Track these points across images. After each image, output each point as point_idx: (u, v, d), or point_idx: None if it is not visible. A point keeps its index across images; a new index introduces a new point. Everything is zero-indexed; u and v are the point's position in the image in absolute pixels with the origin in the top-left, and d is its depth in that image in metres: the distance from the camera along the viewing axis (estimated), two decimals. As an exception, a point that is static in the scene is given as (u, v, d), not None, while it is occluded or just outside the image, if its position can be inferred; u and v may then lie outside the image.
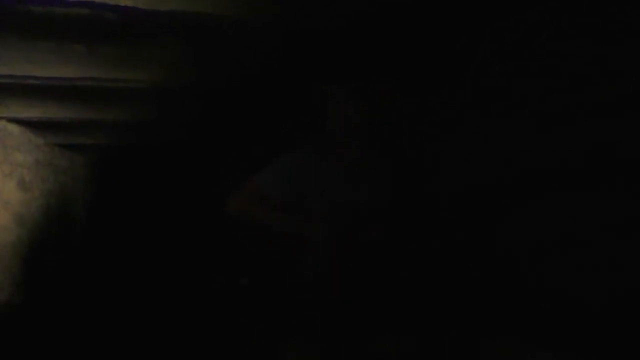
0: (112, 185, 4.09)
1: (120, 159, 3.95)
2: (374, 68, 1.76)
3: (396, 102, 1.68)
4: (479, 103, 1.52)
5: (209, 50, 1.71)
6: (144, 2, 1.26)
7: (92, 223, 3.84)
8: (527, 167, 1.35)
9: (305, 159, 1.41)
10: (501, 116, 1.43)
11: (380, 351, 1.38)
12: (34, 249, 2.77)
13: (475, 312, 1.44)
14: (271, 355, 1.46)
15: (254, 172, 1.44)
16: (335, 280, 1.36)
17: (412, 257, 1.60)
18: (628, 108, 1.09)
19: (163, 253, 3.76)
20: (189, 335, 2.68)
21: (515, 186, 1.39)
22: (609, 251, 1.12)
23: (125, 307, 3.07)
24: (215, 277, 3.13)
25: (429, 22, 1.56)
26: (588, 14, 1.16)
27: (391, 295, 1.43)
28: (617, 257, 1.11)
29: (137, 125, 2.71)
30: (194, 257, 3.56)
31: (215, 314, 2.82)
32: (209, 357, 2.46)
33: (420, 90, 1.75)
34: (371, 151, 1.46)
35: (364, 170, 1.44)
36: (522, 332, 1.29)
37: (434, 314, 1.53)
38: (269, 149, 2.05)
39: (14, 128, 2.55)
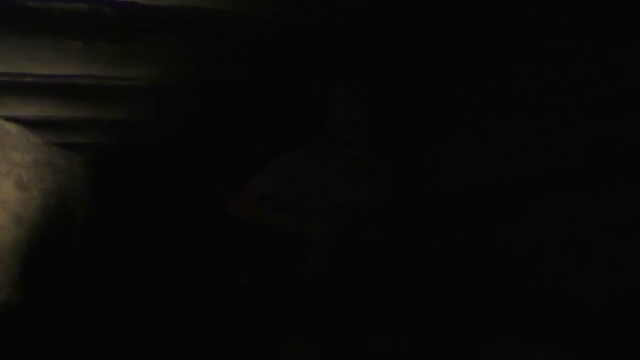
0: (111, 185, 4.09)
1: (119, 158, 3.95)
2: (374, 66, 1.76)
3: (396, 100, 1.68)
4: (479, 101, 1.51)
5: (208, 47, 1.70)
6: (142, -3, 1.25)
7: (91, 223, 3.83)
8: (527, 166, 1.35)
9: (305, 159, 1.41)
10: (501, 114, 1.43)
11: (380, 351, 1.38)
12: (33, 248, 2.76)
13: (475, 312, 1.44)
14: (271, 355, 1.46)
15: (254, 172, 1.43)
16: (335, 280, 1.35)
17: (412, 257, 1.60)
18: (628, 106, 1.08)
19: (162, 253, 3.75)
20: (189, 335, 2.67)
21: (515, 185, 1.39)
22: (609, 251, 1.12)
23: (125, 307, 3.07)
24: (215, 277, 3.12)
25: (429, 20, 1.56)
26: (588, 12, 1.16)
27: (391, 295, 1.42)
28: (617, 257, 1.10)
29: (136, 123, 2.70)
30: (194, 256, 3.56)
31: (215, 313, 2.82)
32: (209, 357, 2.46)
33: (421, 88, 1.74)
34: (371, 149, 1.46)
35: (364, 170, 1.44)
36: (522, 332, 1.29)
37: (434, 314, 1.53)
38: (268, 147, 2.05)
39: (11, 127, 2.54)
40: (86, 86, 1.96)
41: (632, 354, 1.04)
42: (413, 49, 1.71)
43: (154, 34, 1.54)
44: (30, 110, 2.30)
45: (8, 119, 2.45)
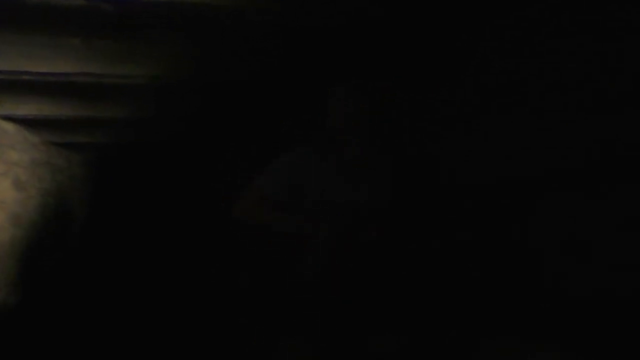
0: (110, 184, 4.08)
1: (118, 157, 3.93)
2: (374, 65, 1.75)
3: (396, 100, 1.67)
4: (479, 101, 1.51)
5: (207, 44, 1.69)
6: (141, -7, 1.25)
7: (90, 222, 3.82)
8: (527, 166, 1.35)
9: (305, 159, 1.40)
10: (501, 114, 1.43)
11: (380, 351, 1.38)
12: (31, 248, 2.75)
13: (475, 312, 1.44)
14: (271, 356, 1.46)
15: (253, 171, 1.43)
16: (335, 280, 1.35)
17: (412, 257, 1.60)
18: (628, 106, 1.08)
19: (162, 252, 3.75)
20: (188, 335, 2.67)
21: (515, 186, 1.39)
22: (609, 251, 1.12)
23: (124, 307, 3.06)
24: (215, 277, 3.12)
25: (429, 20, 1.56)
26: (588, 12, 1.16)
27: (391, 295, 1.42)
28: (617, 257, 1.11)
29: (135, 122, 2.69)
30: (194, 256, 3.55)
31: (215, 313, 2.82)
32: (209, 357, 2.46)
33: (421, 88, 1.74)
34: (371, 149, 1.46)
35: (364, 170, 1.43)
36: (522, 332, 1.29)
37: (434, 314, 1.53)
38: (268, 145, 2.04)
39: (8, 126, 2.53)
40: (84, 84, 1.94)
41: (632, 354, 1.04)
42: (413, 49, 1.71)
43: (153, 30, 1.53)
44: (28, 108, 2.29)
45: (5, 117, 2.43)
